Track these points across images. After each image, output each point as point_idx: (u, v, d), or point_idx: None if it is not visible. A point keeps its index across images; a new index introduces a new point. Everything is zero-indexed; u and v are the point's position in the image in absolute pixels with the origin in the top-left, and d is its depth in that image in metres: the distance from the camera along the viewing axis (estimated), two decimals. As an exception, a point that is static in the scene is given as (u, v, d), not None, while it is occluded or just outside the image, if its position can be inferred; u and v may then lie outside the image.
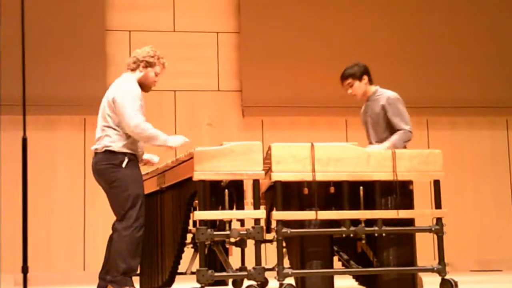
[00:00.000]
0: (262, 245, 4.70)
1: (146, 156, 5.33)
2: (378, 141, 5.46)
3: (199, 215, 4.57)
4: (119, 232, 4.89)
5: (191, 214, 5.04)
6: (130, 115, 4.87)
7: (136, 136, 4.93)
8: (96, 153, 5.05)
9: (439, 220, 4.83)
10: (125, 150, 4.96)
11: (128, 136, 4.97)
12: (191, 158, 4.63)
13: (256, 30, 8.80)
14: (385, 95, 5.51)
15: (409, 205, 4.87)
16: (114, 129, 4.97)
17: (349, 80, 5.57)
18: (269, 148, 4.72)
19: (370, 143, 5.58)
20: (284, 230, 4.60)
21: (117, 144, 4.95)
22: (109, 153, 4.96)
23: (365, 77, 5.57)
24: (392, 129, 5.45)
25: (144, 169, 5.28)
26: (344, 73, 5.60)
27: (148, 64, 5.13)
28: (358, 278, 5.31)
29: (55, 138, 8.37)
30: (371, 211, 4.75)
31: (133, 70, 5.16)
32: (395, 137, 5.38)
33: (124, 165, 4.93)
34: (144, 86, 5.14)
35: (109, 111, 5.00)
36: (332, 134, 8.48)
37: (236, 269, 5.08)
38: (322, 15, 8.91)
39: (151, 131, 4.91)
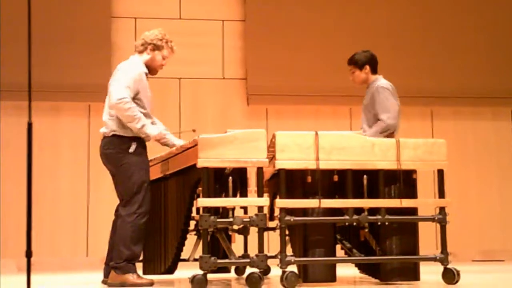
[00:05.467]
0: (265, 233, 4.70)
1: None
2: (370, 127, 5.49)
3: (203, 202, 4.57)
4: (123, 218, 4.90)
5: (195, 201, 5.05)
6: (119, 88, 4.83)
7: (117, 110, 4.85)
8: (104, 137, 5.04)
9: (442, 209, 4.82)
10: (133, 135, 4.94)
11: None
12: (195, 145, 4.62)
13: (262, 19, 8.79)
14: (378, 83, 5.53)
15: (413, 194, 4.86)
16: None
17: (351, 67, 5.67)
18: (273, 136, 4.71)
19: (362, 128, 5.61)
20: (287, 218, 4.60)
21: (125, 129, 4.93)
22: (117, 137, 4.95)
23: (367, 67, 5.62)
24: None
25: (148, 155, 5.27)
26: (350, 58, 5.70)
27: (156, 47, 5.12)
28: (360, 266, 5.32)
29: (60, 124, 8.37)
30: (374, 199, 4.74)
31: (140, 52, 5.15)
32: (372, 129, 5.40)
33: (131, 150, 4.93)
34: (151, 69, 5.14)
35: None
36: (336, 123, 8.49)
37: (239, 256, 5.10)
38: (327, 4, 8.89)
39: (134, 111, 4.83)
